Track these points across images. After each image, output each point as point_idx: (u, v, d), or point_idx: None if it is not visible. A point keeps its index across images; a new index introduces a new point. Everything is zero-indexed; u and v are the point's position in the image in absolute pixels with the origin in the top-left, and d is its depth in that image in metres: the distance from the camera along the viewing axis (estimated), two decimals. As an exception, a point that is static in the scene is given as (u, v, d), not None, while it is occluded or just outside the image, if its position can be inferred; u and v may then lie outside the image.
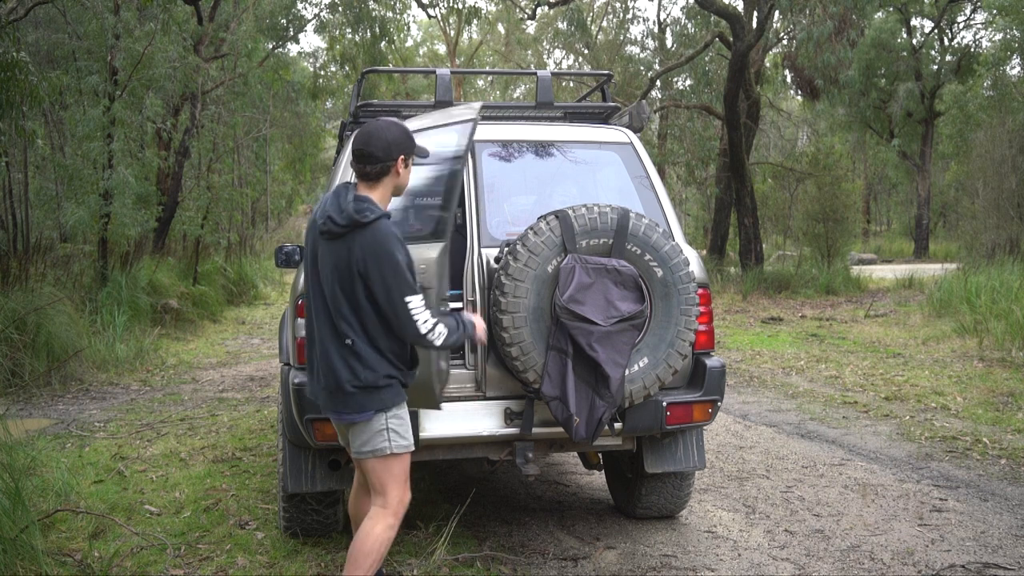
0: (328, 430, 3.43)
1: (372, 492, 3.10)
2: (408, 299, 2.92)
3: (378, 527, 3.03)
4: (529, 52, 32.50)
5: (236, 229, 18.98)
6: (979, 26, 29.78)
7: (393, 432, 3.03)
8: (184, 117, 14.90)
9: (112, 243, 10.92)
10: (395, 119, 3.24)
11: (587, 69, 27.24)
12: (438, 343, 2.99)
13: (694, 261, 3.81)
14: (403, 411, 3.07)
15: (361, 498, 3.36)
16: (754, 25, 16.53)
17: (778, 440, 6.17)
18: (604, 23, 28.54)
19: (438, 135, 3.44)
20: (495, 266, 3.60)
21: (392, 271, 2.91)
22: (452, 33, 36.79)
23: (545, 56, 32.16)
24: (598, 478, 5.23)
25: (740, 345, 10.60)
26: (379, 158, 3.00)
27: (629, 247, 3.50)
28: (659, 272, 3.54)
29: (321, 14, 23.07)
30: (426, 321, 2.94)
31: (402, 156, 3.05)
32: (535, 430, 3.61)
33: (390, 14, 23.88)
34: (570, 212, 3.49)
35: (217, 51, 16.10)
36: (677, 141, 23.14)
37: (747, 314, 13.48)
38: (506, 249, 3.54)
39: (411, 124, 3.41)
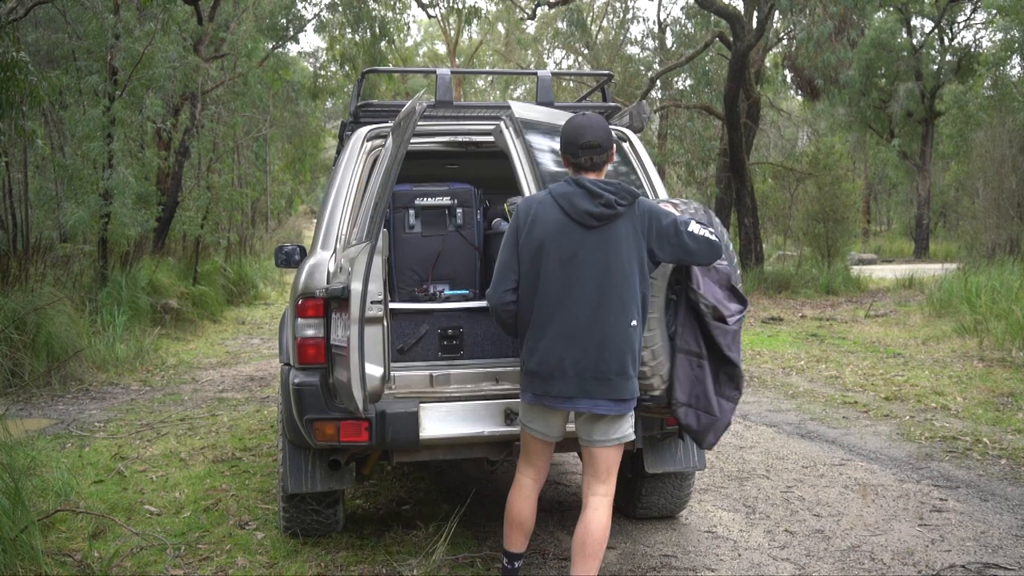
0: (329, 430, 3.42)
1: (595, 480, 3.16)
2: (691, 228, 3.08)
3: (607, 515, 3.12)
4: (529, 52, 32.49)
5: (236, 229, 18.98)
6: (979, 26, 29.81)
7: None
8: (184, 117, 14.90)
9: (112, 243, 10.91)
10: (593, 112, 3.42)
11: (587, 69, 27.24)
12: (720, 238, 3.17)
13: None
14: None
15: (528, 498, 3.29)
16: (754, 25, 16.54)
17: (778, 440, 6.17)
18: (604, 23, 28.53)
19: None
20: None
21: (670, 219, 3.10)
22: (452, 33, 36.79)
23: (545, 56, 32.15)
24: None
25: (740, 345, 10.59)
26: (605, 147, 3.16)
27: None
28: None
29: (321, 14, 23.08)
30: (710, 231, 3.10)
31: (614, 143, 3.24)
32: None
33: (390, 14, 23.89)
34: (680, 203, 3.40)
35: (217, 51, 16.09)
36: (677, 141, 23.13)
37: (747, 314, 13.46)
38: None
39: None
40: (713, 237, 3.09)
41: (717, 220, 3.36)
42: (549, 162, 3.64)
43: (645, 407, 3.30)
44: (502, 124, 3.61)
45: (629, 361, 3.05)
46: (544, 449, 3.29)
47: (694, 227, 3.08)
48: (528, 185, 3.54)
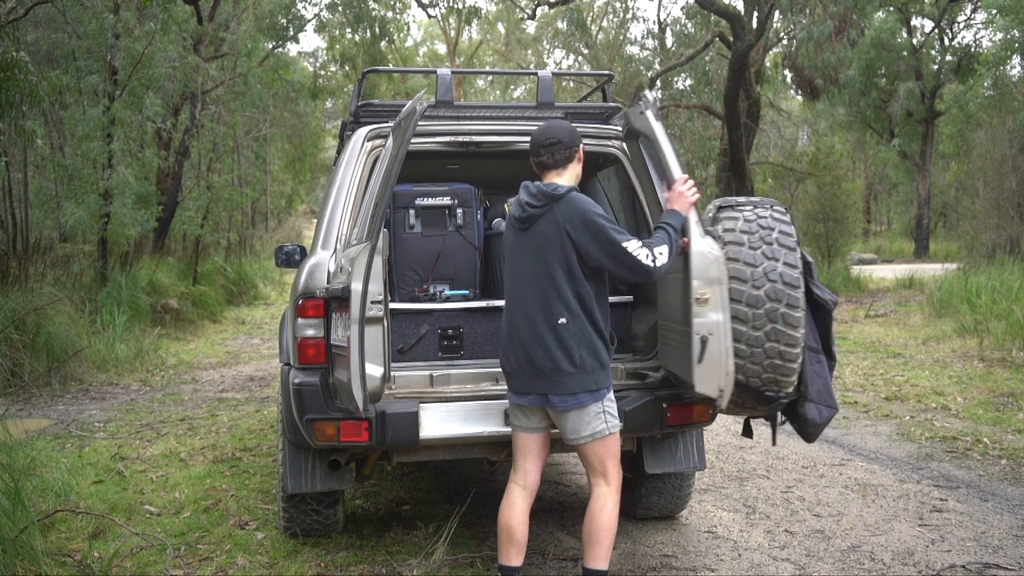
0: (329, 430, 3.41)
1: (592, 474, 3.23)
2: (624, 244, 3.04)
3: (609, 505, 3.19)
4: (529, 52, 32.50)
5: (236, 229, 18.99)
6: (979, 26, 29.73)
7: (608, 413, 3.18)
8: (184, 117, 14.90)
9: (112, 243, 10.92)
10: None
11: (587, 69, 27.25)
12: (667, 263, 3.06)
13: None
14: (612, 392, 3.22)
15: (515, 506, 3.27)
16: (754, 25, 16.53)
17: (778, 440, 6.16)
18: (604, 23, 28.54)
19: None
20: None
21: (597, 228, 3.07)
22: (452, 33, 36.80)
23: (545, 56, 32.15)
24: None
25: (740, 345, 10.58)
26: (567, 143, 3.23)
27: None
28: None
29: (321, 14, 23.06)
30: (647, 255, 3.03)
31: (581, 144, 3.29)
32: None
33: (390, 14, 23.87)
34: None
35: (217, 51, 16.09)
36: (677, 141, 23.14)
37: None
38: (780, 236, 3.24)
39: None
40: (647, 263, 3.01)
41: (775, 225, 3.20)
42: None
43: (781, 405, 3.27)
44: (642, 105, 3.46)
45: (562, 358, 3.09)
46: (529, 445, 3.31)
47: (631, 245, 3.02)
48: (673, 168, 3.32)
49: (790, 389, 3.20)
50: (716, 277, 3.12)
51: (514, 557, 3.25)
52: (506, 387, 3.32)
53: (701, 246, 3.14)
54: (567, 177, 3.25)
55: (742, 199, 3.37)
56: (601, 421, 3.16)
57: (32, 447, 5.46)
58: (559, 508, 4.71)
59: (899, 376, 8.23)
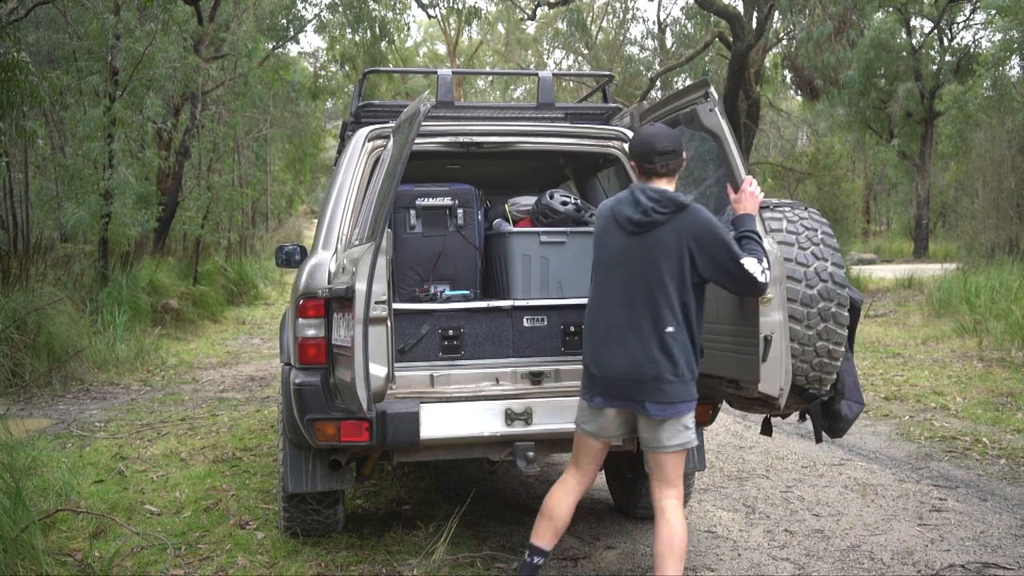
0: (329, 430, 3.42)
1: (660, 484, 3.17)
2: (742, 261, 3.00)
3: (681, 518, 3.15)
4: (529, 52, 32.53)
5: (236, 229, 19.00)
6: (979, 26, 29.73)
7: (694, 425, 3.16)
8: (184, 117, 14.91)
9: (112, 243, 10.93)
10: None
11: (587, 69, 27.27)
12: (771, 275, 3.06)
13: None
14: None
15: (568, 496, 3.29)
16: (754, 25, 16.55)
17: (778, 440, 6.18)
18: (604, 23, 28.57)
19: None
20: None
21: (722, 244, 3.03)
22: (452, 33, 36.82)
23: (545, 56, 32.19)
24: (598, 478, 5.23)
25: (740, 345, 10.58)
26: (678, 153, 3.20)
27: None
28: None
29: (321, 14, 23.07)
30: (762, 272, 3.01)
31: (685, 150, 3.27)
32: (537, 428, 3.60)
33: (390, 14, 23.87)
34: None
35: (217, 51, 16.10)
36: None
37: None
38: (825, 237, 3.31)
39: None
40: (762, 280, 3.00)
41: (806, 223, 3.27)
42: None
43: (821, 402, 3.31)
44: (710, 104, 3.38)
45: (666, 367, 3.05)
46: (593, 452, 3.29)
47: (749, 263, 3.01)
48: (740, 168, 3.32)
49: (828, 387, 3.26)
50: (778, 276, 3.13)
51: (549, 539, 3.26)
52: (584, 390, 3.23)
53: (764, 245, 3.15)
54: (672, 186, 3.22)
55: (775, 200, 3.39)
56: (691, 431, 3.15)
57: (33, 447, 5.47)
58: (559, 508, 4.71)
59: (898, 376, 8.24)
